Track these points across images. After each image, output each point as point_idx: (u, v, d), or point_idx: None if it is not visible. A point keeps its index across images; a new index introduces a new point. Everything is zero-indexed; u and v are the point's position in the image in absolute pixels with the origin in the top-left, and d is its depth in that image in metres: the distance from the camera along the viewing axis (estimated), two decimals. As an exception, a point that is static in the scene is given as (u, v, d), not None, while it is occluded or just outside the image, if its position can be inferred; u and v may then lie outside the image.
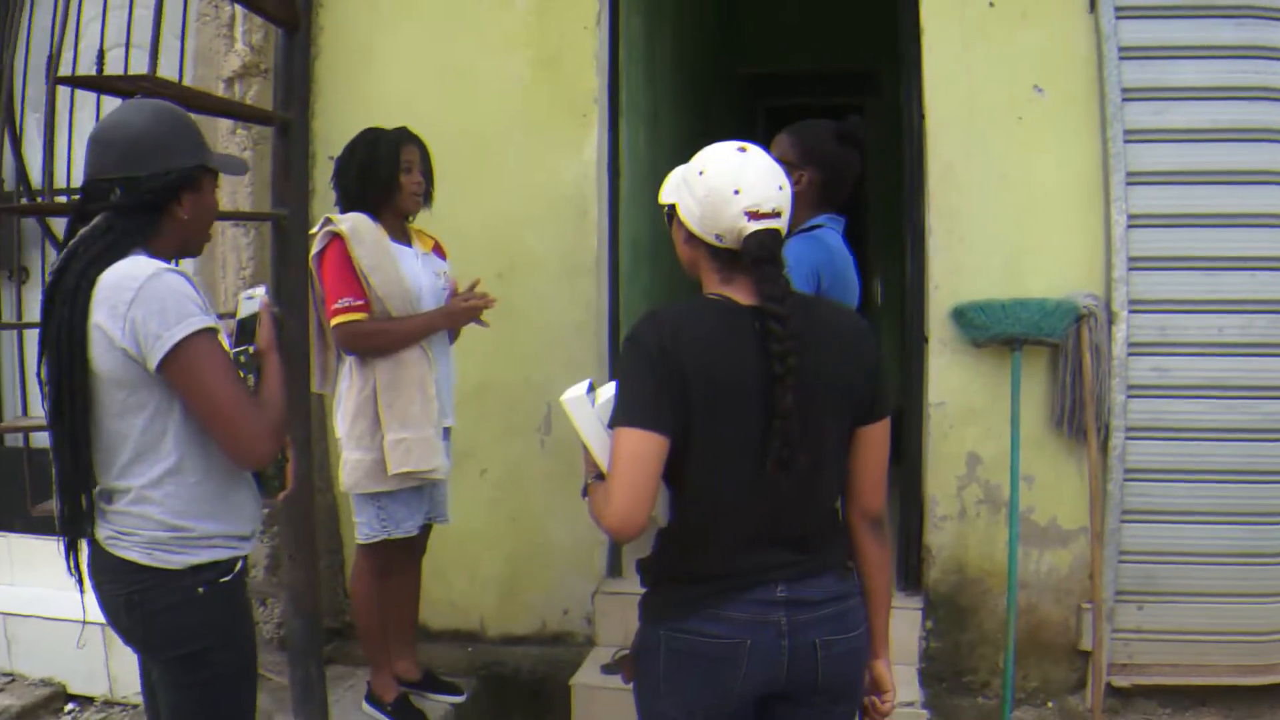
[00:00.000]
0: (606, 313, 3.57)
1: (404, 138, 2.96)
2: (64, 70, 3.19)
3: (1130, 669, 3.15)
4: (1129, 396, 3.13)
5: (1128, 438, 3.14)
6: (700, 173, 1.64)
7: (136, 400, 1.75)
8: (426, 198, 3.03)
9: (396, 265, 2.88)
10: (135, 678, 3.42)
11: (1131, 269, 3.10)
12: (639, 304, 4.21)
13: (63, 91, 3.51)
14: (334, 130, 3.34)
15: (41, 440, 3.40)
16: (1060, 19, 3.13)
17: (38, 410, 3.62)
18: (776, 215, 1.61)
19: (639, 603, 1.78)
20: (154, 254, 1.79)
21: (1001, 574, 3.23)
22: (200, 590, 1.81)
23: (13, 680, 3.69)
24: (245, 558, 1.92)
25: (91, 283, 1.72)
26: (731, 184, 1.60)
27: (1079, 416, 3.13)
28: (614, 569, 3.67)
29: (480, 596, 3.63)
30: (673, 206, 1.71)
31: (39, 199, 3.51)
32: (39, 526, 3.84)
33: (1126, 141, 3.06)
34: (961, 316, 3.21)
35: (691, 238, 1.67)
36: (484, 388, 3.50)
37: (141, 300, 1.69)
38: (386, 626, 3.07)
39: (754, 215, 1.59)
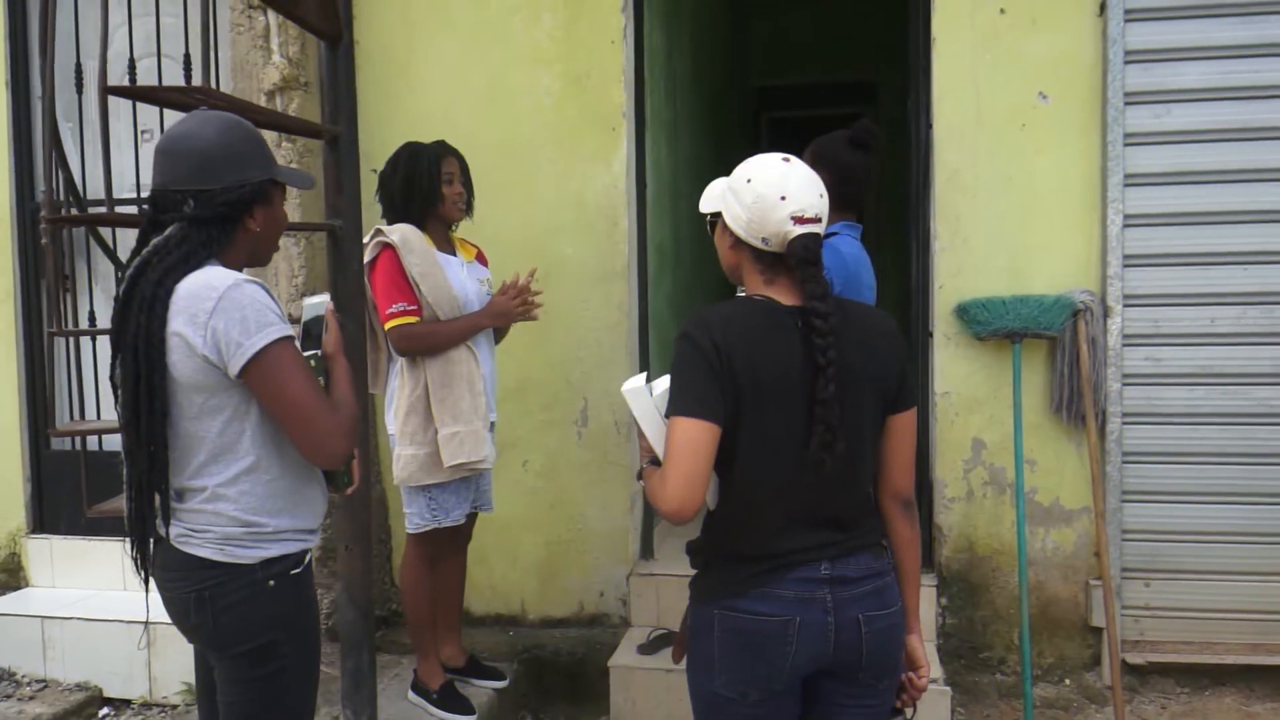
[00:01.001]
0: (636, 314, 3.78)
1: (443, 150, 3.15)
2: (90, 80, 3.26)
3: (1143, 646, 3.33)
4: (1124, 385, 3.34)
5: (1124, 423, 3.35)
6: (748, 180, 1.79)
7: (215, 404, 1.81)
8: (468, 207, 3.24)
9: (444, 274, 3.08)
10: (177, 679, 3.64)
11: (1126, 266, 3.31)
12: (664, 306, 4.44)
13: (93, 99, 3.62)
14: (374, 144, 3.49)
15: (94, 442, 3.59)
16: (1069, 24, 3.32)
17: (92, 413, 3.83)
18: (817, 220, 1.77)
19: (690, 584, 1.92)
20: (225, 264, 1.85)
21: (1009, 552, 3.44)
22: (270, 583, 1.87)
23: (45, 687, 3.74)
24: (311, 550, 1.98)
25: (169, 291, 1.77)
26: (778, 191, 1.75)
27: (1077, 403, 3.33)
28: (646, 551, 3.89)
29: (521, 581, 3.85)
30: (717, 215, 1.89)
31: (88, 209, 3.69)
32: (85, 529, 4.03)
33: (1126, 145, 3.27)
34: (965, 313, 3.41)
35: (737, 243, 1.83)
36: (524, 384, 3.73)
37: (222, 310, 1.75)
38: (434, 614, 3.25)
39: (799, 220, 1.75)
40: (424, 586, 3.19)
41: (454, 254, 3.22)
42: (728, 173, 1.89)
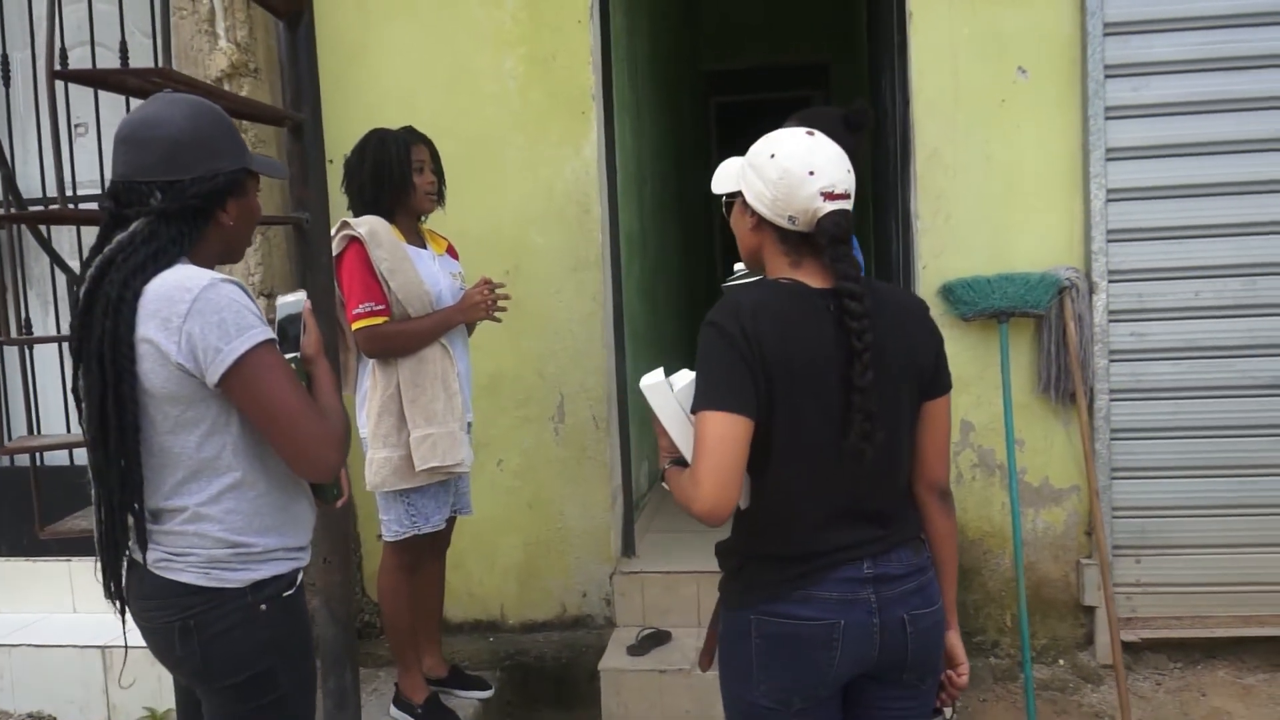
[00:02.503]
0: (610, 304, 3.66)
1: (413, 137, 3.00)
2: (18, 70, 3.05)
3: (1135, 623, 3.31)
4: (1110, 361, 3.32)
5: (1111, 399, 3.32)
6: (771, 155, 1.68)
7: (191, 416, 1.66)
8: (440, 197, 3.09)
9: (414, 268, 2.92)
10: (138, 704, 3.45)
11: (1110, 241, 3.28)
12: (634, 295, 4.32)
13: (21, 92, 3.39)
14: (328, 133, 3.31)
15: (59, 459, 3.36)
16: (1047, -1, 3.27)
17: (48, 428, 3.58)
18: (847, 196, 1.67)
19: (720, 587, 1.81)
20: (196, 262, 1.71)
21: (1000, 534, 3.40)
22: (262, 608, 1.72)
23: (-5, 717, 3.56)
24: (303, 569, 1.84)
25: (136, 293, 1.61)
26: (806, 165, 1.64)
27: (1064, 382, 3.30)
28: (628, 549, 3.78)
29: (500, 585, 3.71)
30: (735, 194, 1.78)
31: (36, 208, 3.47)
32: (32, 550, 3.80)
33: (1106, 119, 3.23)
34: (950, 293, 3.36)
35: (760, 223, 1.71)
36: (497, 380, 3.59)
37: (197, 313, 1.60)
38: (415, 624, 3.10)
39: (829, 196, 1.64)
40: (404, 596, 3.05)
41: (424, 247, 3.07)
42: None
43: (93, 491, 1.71)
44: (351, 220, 2.92)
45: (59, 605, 3.81)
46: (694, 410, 1.65)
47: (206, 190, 1.69)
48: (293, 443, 1.67)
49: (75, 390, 1.71)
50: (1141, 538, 3.34)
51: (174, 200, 1.67)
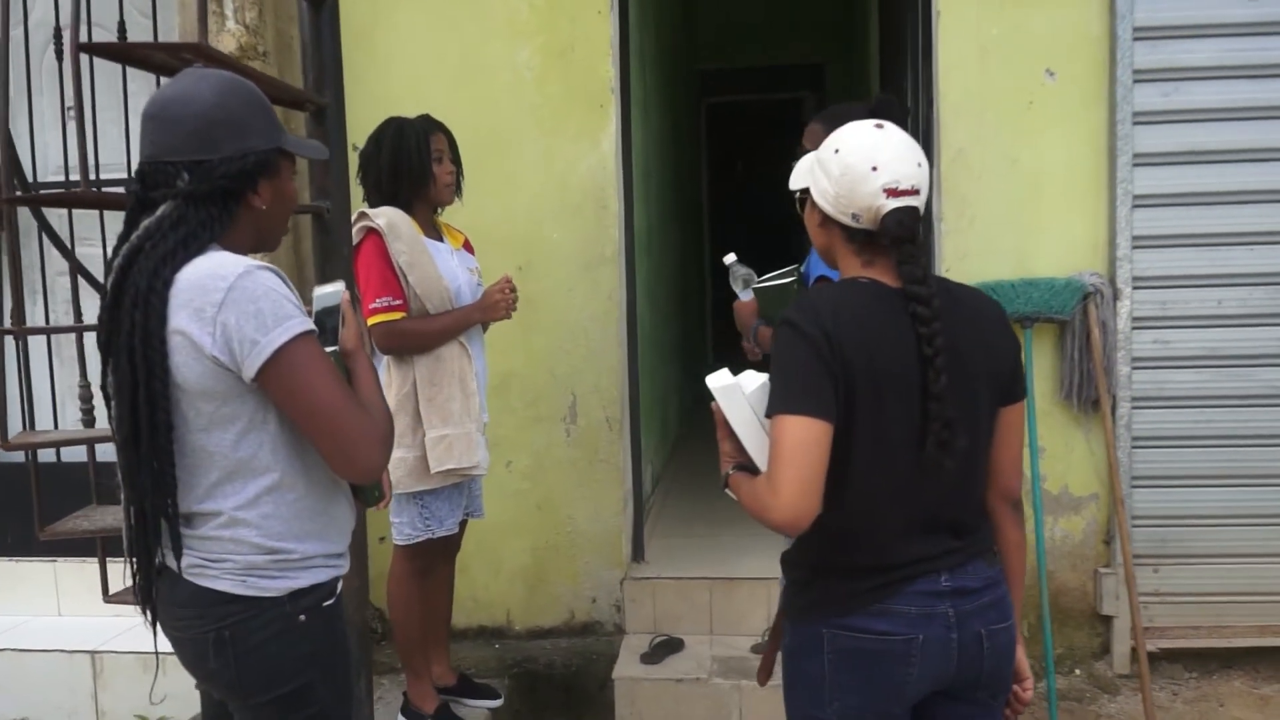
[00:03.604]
0: (624, 302, 3.58)
1: (431, 126, 2.89)
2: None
3: (1152, 632, 3.29)
4: (1133, 368, 3.29)
5: (1133, 407, 3.30)
6: (836, 150, 1.62)
7: (227, 413, 1.55)
8: (458, 189, 2.98)
9: (433, 262, 2.82)
10: (128, 712, 3.31)
11: (1135, 247, 3.25)
12: (642, 294, 4.23)
13: (13, 71, 3.25)
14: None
15: (47, 456, 3.21)
16: (1075, -1, 3.24)
17: (46, 424, 3.43)
18: (915, 193, 1.59)
19: (784, 599, 1.74)
20: (229, 249, 1.60)
21: (1019, 543, 3.36)
22: (301, 618, 1.63)
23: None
24: (343, 577, 1.74)
25: (167, 282, 1.51)
26: (868, 161, 1.58)
27: (1086, 389, 3.27)
28: (637, 554, 3.70)
29: (506, 590, 3.61)
30: (805, 191, 1.71)
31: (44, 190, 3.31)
32: (11, 549, 3.68)
33: (1134, 124, 3.20)
34: (973, 297, 3.31)
35: (826, 220, 1.65)
36: (507, 380, 3.49)
37: (233, 303, 1.49)
38: (425, 631, 3.01)
39: (892, 193, 1.57)
40: (415, 602, 2.94)
41: (441, 240, 2.96)
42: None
43: (121, 494, 1.61)
44: (370, 211, 2.81)
45: (44, 608, 3.66)
46: (770, 414, 1.57)
47: (236, 170, 1.58)
48: (335, 441, 1.56)
49: (104, 388, 1.60)
50: (1160, 547, 3.31)
51: (202, 181, 1.56)
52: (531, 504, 3.57)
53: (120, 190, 3.04)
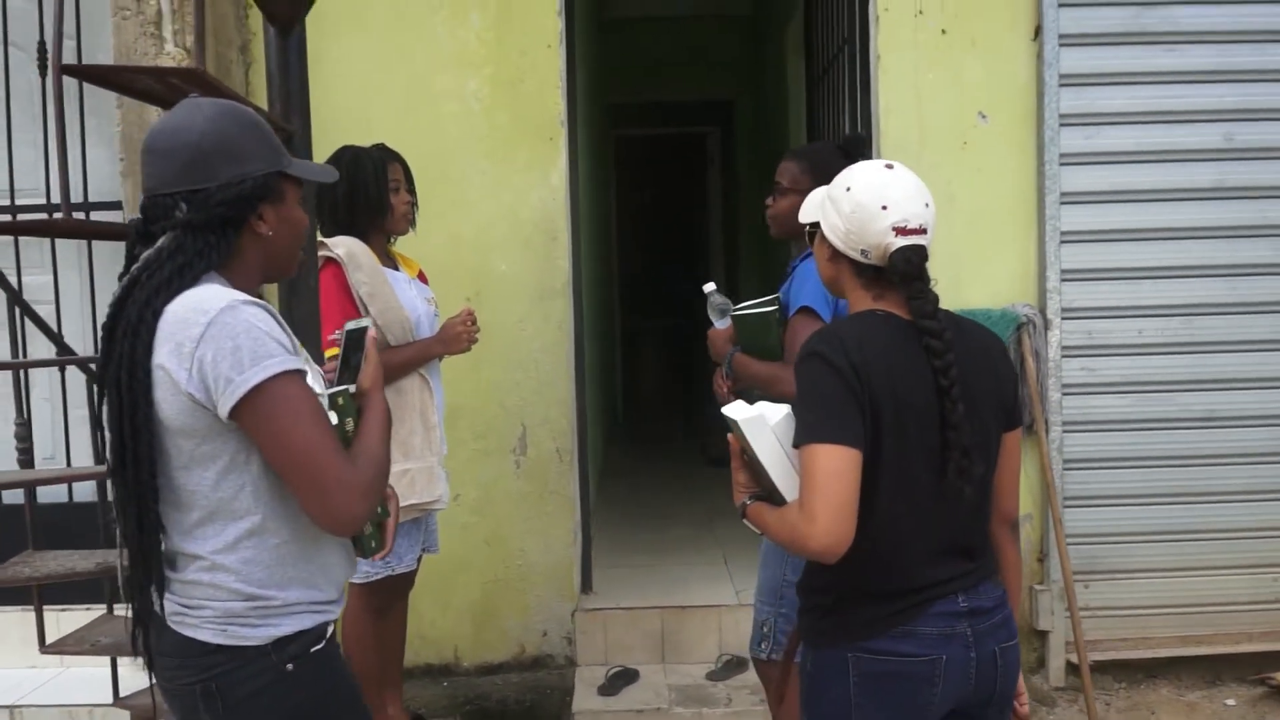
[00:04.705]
0: (574, 333, 3.58)
1: (387, 155, 2.86)
2: None
3: (1084, 645, 3.44)
4: (1064, 394, 3.47)
5: (1064, 431, 3.47)
6: (847, 189, 1.68)
7: (206, 451, 1.49)
8: (412, 219, 2.95)
9: (394, 292, 2.77)
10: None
11: (1064, 280, 3.44)
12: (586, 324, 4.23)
13: None
14: None
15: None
16: (1007, 47, 3.42)
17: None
18: (923, 232, 1.67)
19: (804, 626, 1.77)
20: (235, 281, 1.56)
21: (960, 564, 3.48)
22: (289, 667, 1.54)
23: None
24: (334, 622, 1.67)
25: (157, 314, 1.46)
26: (879, 200, 1.64)
27: (1022, 415, 3.42)
28: (585, 585, 3.68)
29: (454, 626, 3.54)
30: (815, 225, 1.78)
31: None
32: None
33: (1061, 164, 3.40)
34: (910, 327, 3.43)
35: (836, 254, 1.72)
36: (455, 412, 3.43)
37: (211, 338, 1.44)
38: (382, 671, 2.92)
39: (901, 231, 1.64)
40: (371, 640, 2.85)
41: (397, 269, 2.92)
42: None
43: (117, 531, 1.54)
44: (327, 240, 2.75)
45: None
46: (800, 443, 1.61)
47: (234, 196, 1.53)
48: (310, 487, 1.48)
49: (99, 419, 1.53)
50: (1091, 563, 3.48)
51: (199, 210, 1.51)
52: (480, 538, 3.52)
53: (100, 219, 2.89)
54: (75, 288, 3.55)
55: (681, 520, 4.76)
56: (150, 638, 1.58)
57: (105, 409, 1.50)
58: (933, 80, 3.44)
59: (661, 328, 8.45)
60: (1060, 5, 3.36)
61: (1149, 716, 3.32)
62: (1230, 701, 3.35)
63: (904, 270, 1.64)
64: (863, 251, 1.67)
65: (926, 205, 1.70)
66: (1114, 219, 3.44)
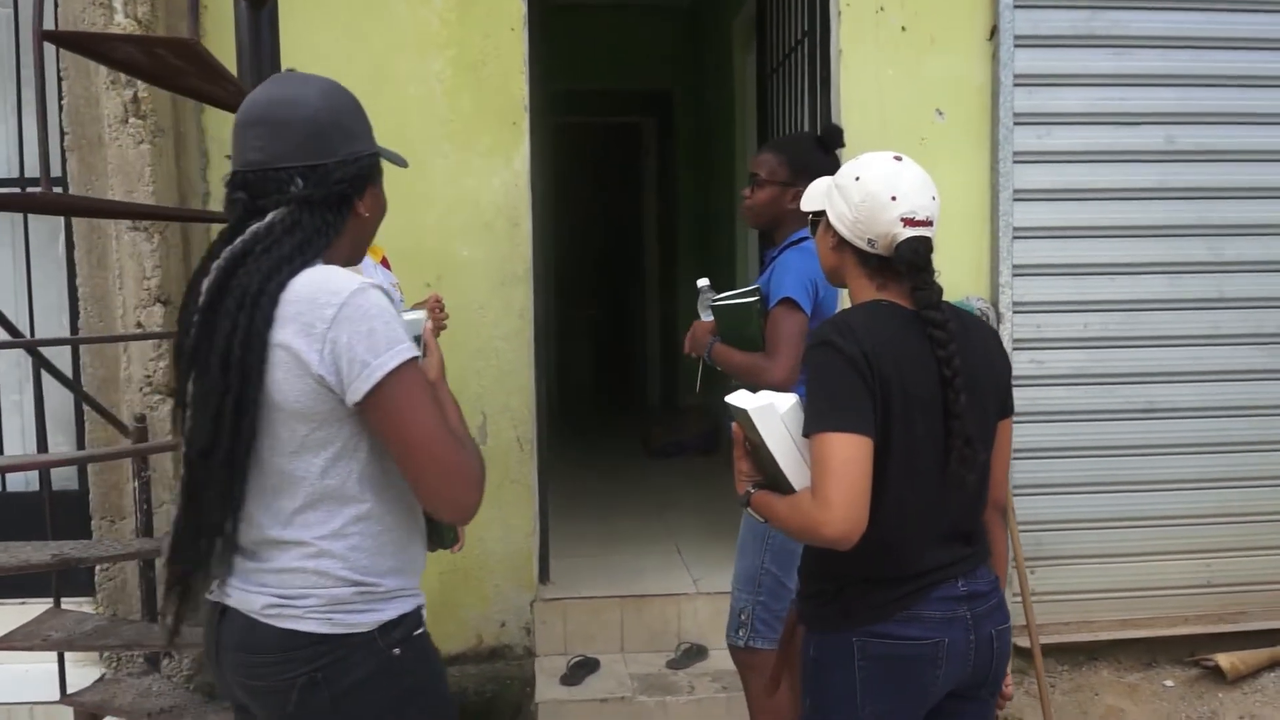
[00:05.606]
0: (534, 321, 3.54)
1: None
2: None
3: (1030, 629, 3.56)
4: (1014, 386, 3.56)
5: (1014, 421, 3.56)
6: (856, 178, 1.71)
7: (321, 436, 1.45)
8: (379, 204, 2.88)
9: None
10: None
11: (1015, 275, 3.53)
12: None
13: None
14: (226, 129, 3.06)
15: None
16: (964, 46, 3.49)
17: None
18: (929, 224, 1.71)
19: (806, 611, 1.79)
20: (328, 263, 1.51)
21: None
22: (396, 652, 1.51)
23: None
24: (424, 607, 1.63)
25: (281, 286, 1.42)
26: (889, 190, 1.68)
27: (973, 406, 3.52)
28: (543, 575, 3.65)
29: (412, 618, 3.47)
30: (820, 213, 1.80)
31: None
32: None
33: (1015, 162, 3.49)
34: (867, 318, 3.50)
35: (840, 243, 1.75)
36: (416, 401, 3.37)
37: (346, 319, 1.40)
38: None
39: (909, 222, 1.68)
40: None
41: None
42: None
43: (175, 512, 1.49)
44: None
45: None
46: (811, 432, 1.63)
47: (352, 174, 1.53)
48: (434, 476, 1.45)
49: (182, 400, 1.48)
50: (1037, 550, 3.59)
51: (318, 186, 1.49)
52: (438, 528, 3.46)
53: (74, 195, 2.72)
54: (9, 267, 3.40)
55: (630, 511, 4.76)
56: (221, 635, 1.52)
57: (195, 385, 1.45)
58: (893, 76, 3.50)
59: (590, 318, 8.47)
60: (1016, 6, 3.45)
61: (1093, 698, 3.45)
62: (1169, 683, 3.50)
63: (911, 261, 1.68)
64: (869, 241, 1.70)
65: (933, 198, 1.74)
66: (1064, 217, 3.55)
